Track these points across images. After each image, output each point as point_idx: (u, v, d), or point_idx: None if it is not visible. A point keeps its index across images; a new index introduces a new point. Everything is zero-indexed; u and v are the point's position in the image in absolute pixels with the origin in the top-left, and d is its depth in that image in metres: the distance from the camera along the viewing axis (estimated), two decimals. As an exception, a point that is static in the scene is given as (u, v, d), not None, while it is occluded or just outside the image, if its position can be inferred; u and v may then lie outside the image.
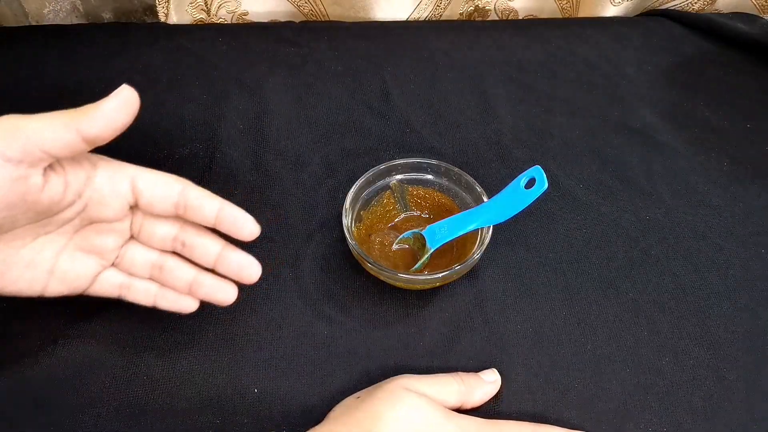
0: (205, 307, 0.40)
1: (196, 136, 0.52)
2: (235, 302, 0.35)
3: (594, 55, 0.64)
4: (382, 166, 0.45)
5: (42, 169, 0.29)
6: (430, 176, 0.46)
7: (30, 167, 0.28)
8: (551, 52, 0.64)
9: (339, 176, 0.49)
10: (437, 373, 0.36)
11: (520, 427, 0.35)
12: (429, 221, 0.44)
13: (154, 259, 0.35)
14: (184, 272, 0.35)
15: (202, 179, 0.48)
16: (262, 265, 0.34)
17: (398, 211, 0.46)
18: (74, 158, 0.30)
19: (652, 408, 0.37)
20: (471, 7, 0.70)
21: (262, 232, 0.45)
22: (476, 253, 0.39)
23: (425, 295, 0.42)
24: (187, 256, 0.35)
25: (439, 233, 0.42)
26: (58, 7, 0.64)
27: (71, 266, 0.33)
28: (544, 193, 0.38)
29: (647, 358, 0.40)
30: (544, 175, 0.37)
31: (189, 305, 0.35)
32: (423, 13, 0.69)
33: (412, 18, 0.69)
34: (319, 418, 0.34)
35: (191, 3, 0.64)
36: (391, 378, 0.34)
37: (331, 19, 0.68)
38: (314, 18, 0.68)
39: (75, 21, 0.65)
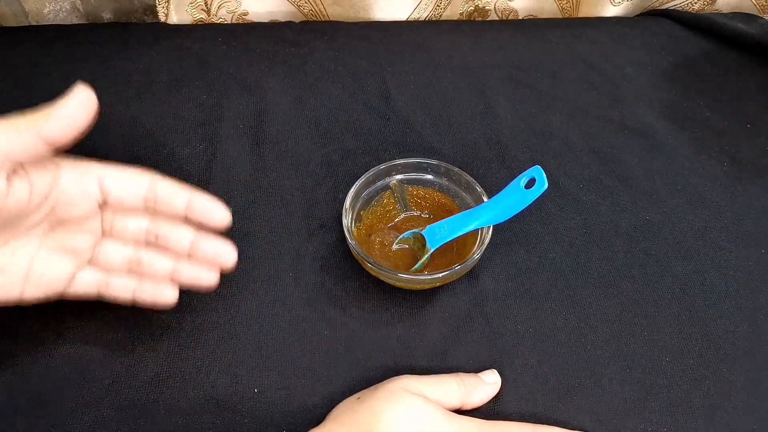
0: (205, 306, 0.41)
1: (196, 136, 0.52)
2: (216, 288, 0.35)
3: (594, 55, 0.64)
4: (382, 166, 0.45)
5: (5, 175, 0.28)
6: (430, 176, 0.46)
7: None
8: (551, 52, 0.64)
9: (339, 176, 0.49)
10: (437, 373, 0.36)
11: (520, 427, 0.35)
12: (429, 221, 0.44)
13: (130, 254, 0.35)
14: (162, 263, 0.35)
15: (202, 179, 0.48)
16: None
17: (398, 211, 0.46)
18: (38, 161, 0.30)
19: (652, 408, 0.37)
20: (471, 7, 0.70)
21: (262, 232, 0.45)
22: (476, 253, 0.39)
23: (425, 295, 0.42)
24: (162, 246, 0.35)
25: (439, 233, 0.42)
26: (58, 7, 0.64)
27: (46, 269, 0.33)
28: (544, 193, 0.38)
29: (647, 358, 0.40)
30: (544, 175, 0.37)
31: (169, 295, 0.35)
32: (423, 13, 0.69)
33: (412, 18, 0.69)
34: (320, 418, 0.34)
35: (191, 3, 0.64)
36: (392, 378, 0.34)
37: (331, 19, 0.68)
38: (314, 18, 0.68)
39: (75, 21, 0.65)
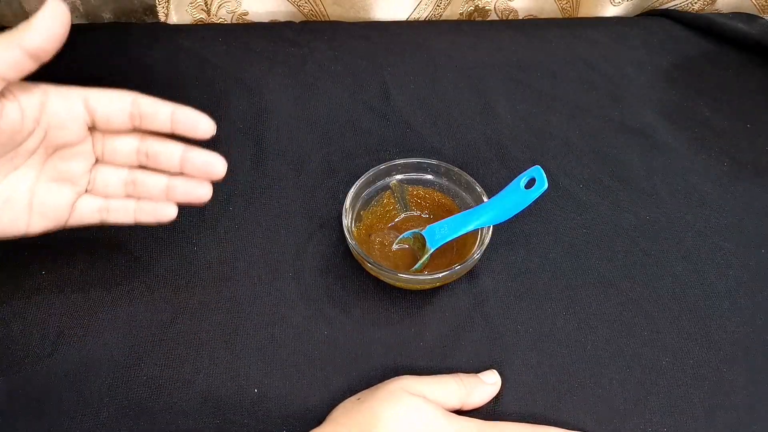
0: (205, 306, 0.41)
1: (196, 136, 0.52)
2: (209, 201, 0.36)
3: (594, 55, 0.64)
4: (382, 166, 0.45)
5: None
6: (430, 176, 0.46)
7: None
8: (551, 52, 0.64)
9: (339, 176, 0.49)
10: (437, 373, 0.36)
11: (520, 428, 0.35)
12: (429, 221, 0.44)
13: (125, 176, 0.36)
14: (157, 180, 0.36)
15: (202, 179, 0.48)
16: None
17: (398, 211, 0.46)
18: (24, 86, 0.31)
19: (652, 408, 0.37)
20: (471, 7, 0.70)
21: (262, 232, 0.45)
22: (476, 253, 0.39)
23: (425, 295, 0.42)
24: (154, 165, 0.36)
25: (439, 233, 0.42)
26: (58, 7, 0.64)
27: (47, 197, 0.34)
28: (544, 193, 0.38)
29: (647, 358, 0.40)
30: (544, 175, 0.37)
31: (169, 212, 0.36)
32: (423, 13, 0.69)
33: (412, 18, 0.69)
34: (320, 418, 0.34)
35: (191, 3, 0.64)
36: (392, 379, 0.34)
37: (331, 19, 0.68)
38: (314, 18, 0.68)
39: (75, 21, 0.65)
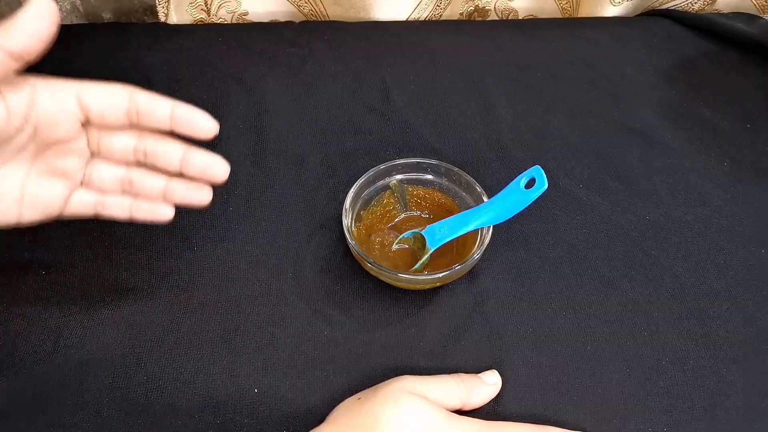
0: (205, 306, 0.41)
1: (196, 136, 0.52)
2: (209, 205, 0.35)
3: (594, 55, 0.64)
4: (382, 166, 0.45)
5: None
6: (430, 176, 0.46)
7: None
8: (551, 52, 0.64)
9: (339, 176, 0.49)
10: (437, 373, 0.36)
11: (521, 428, 0.35)
12: (429, 221, 0.44)
13: (122, 174, 0.35)
14: (154, 181, 0.35)
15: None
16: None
17: (398, 211, 0.46)
18: (10, 82, 0.29)
19: (652, 408, 0.37)
20: (471, 7, 0.70)
21: (262, 232, 0.45)
22: (476, 253, 0.39)
23: (425, 295, 0.42)
24: (152, 164, 0.34)
25: (439, 233, 0.42)
26: (58, 7, 0.64)
27: (39, 192, 0.33)
28: (544, 193, 0.38)
29: (647, 358, 0.40)
30: (544, 175, 0.37)
31: (165, 212, 0.35)
32: (423, 13, 0.69)
33: (412, 18, 0.69)
34: (320, 418, 0.34)
35: (191, 3, 0.64)
36: (392, 379, 0.34)
37: (331, 19, 0.68)
38: (314, 18, 0.68)
39: (75, 21, 0.65)
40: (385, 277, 0.40)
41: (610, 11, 0.72)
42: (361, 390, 0.35)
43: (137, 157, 0.34)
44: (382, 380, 0.35)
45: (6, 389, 0.36)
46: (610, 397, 0.38)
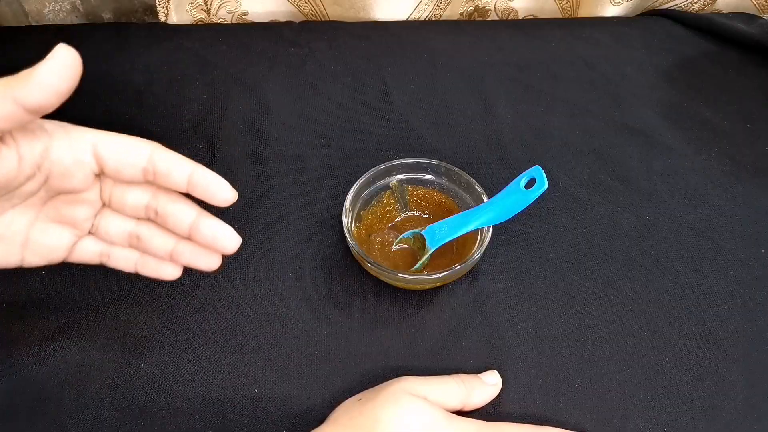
0: (206, 306, 0.41)
1: (196, 136, 0.52)
2: (219, 269, 0.34)
3: (594, 55, 0.64)
4: (382, 166, 0.45)
5: None
6: (430, 176, 0.46)
7: None
8: (551, 52, 0.64)
9: (339, 176, 0.49)
10: (437, 373, 0.36)
11: (521, 428, 0.35)
12: (429, 221, 0.44)
13: (131, 228, 0.34)
14: (162, 241, 0.33)
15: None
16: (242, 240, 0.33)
17: (398, 211, 0.46)
18: (26, 129, 0.28)
19: (652, 408, 0.37)
20: (471, 7, 0.70)
21: (262, 232, 0.45)
22: (476, 253, 0.39)
23: (425, 295, 0.42)
24: (161, 224, 0.33)
25: (439, 233, 0.42)
26: (58, 7, 0.64)
27: (44, 238, 0.32)
28: (544, 193, 0.38)
29: (647, 358, 0.40)
30: (544, 175, 0.37)
31: (171, 272, 0.34)
32: (423, 13, 0.69)
33: (412, 18, 0.69)
34: (320, 418, 0.34)
35: (191, 3, 0.64)
36: (392, 380, 0.34)
37: (331, 19, 0.68)
38: (314, 18, 0.68)
39: (75, 21, 0.65)
40: (385, 277, 0.40)
41: (610, 11, 0.72)
42: (361, 390, 0.35)
43: (148, 214, 0.33)
44: (382, 380, 0.35)
45: (6, 389, 0.36)
46: (610, 397, 0.38)
